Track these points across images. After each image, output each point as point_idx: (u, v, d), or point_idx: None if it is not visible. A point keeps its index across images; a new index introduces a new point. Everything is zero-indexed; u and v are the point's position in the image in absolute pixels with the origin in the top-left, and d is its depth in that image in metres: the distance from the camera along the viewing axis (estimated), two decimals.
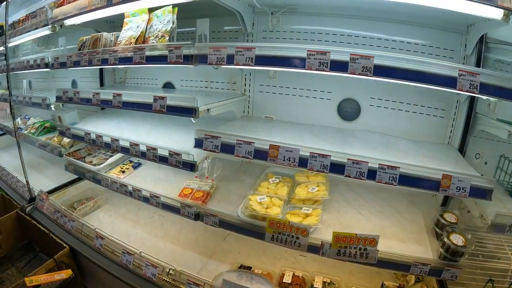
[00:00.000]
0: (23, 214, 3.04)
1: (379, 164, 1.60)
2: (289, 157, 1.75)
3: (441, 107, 2.16)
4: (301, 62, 1.61)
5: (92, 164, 2.90)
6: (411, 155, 1.92)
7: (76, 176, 3.31)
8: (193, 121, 1.97)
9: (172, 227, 2.82)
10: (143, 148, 2.30)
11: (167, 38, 2.21)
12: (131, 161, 2.94)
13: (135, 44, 2.30)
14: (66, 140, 3.21)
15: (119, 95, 2.32)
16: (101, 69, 3.32)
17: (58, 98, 2.85)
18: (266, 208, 2.04)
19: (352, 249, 1.72)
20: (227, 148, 1.89)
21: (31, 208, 3.14)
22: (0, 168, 4.03)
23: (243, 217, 2.02)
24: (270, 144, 1.79)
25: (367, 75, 1.50)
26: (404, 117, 2.27)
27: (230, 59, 1.77)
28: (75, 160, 2.94)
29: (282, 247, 1.87)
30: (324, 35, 2.33)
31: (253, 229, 1.96)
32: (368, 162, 1.62)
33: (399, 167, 1.59)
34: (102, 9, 2.35)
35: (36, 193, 3.20)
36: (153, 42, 2.25)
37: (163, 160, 2.20)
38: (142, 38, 2.35)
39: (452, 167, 1.65)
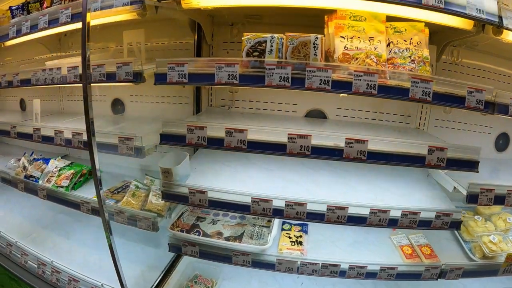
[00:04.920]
0: None
1: None
2: None
3: None
4: None
5: (225, 238, 1.34)
6: None
7: (173, 255, 1.58)
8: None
9: None
10: (395, 214, 1.16)
11: (429, 68, 1.11)
12: (289, 223, 1.48)
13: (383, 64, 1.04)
14: (154, 200, 1.43)
15: (360, 141, 1.01)
16: (198, 88, 1.62)
17: (168, 138, 1.17)
18: (501, 246, 1.41)
19: None
20: None
21: None
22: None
23: (480, 261, 1.37)
24: None
25: None
26: None
27: None
28: (207, 239, 1.30)
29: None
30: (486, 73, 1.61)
31: (490, 268, 1.38)
32: None
33: None
34: None
35: None
36: (410, 69, 1.10)
37: (423, 224, 1.21)
38: (384, 58, 1.10)
39: None
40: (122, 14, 1.25)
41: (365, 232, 1.50)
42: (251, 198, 1.16)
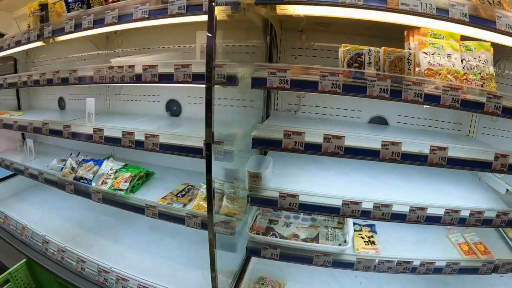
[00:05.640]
0: None
1: None
2: None
3: None
4: None
5: (302, 240, 1.44)
6: None
7: (242, 259, 1.63)
8: None
9: None
10: (464, 214, 1.34)
11: (494, 84, 1.28)
12: (359, 224, 1.59)
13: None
14: (229, 203, 1.48)
15: (441, 148, 1.18)
16: (268, 92, 1.67)
17: (261, 142, 1.24)
18: None
19: None
20: None
21: None
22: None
23: None
24: None
25: None
26: None
27: None
28: (290, 242, 1.38)
29: None
30: None
31: None
32: None
33: None
34: None
35: None
36: (481, 84, 1.27)
37: (486, 223, 1.37)
38: (461, 74, 1.26)
39: None
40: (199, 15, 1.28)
41: (424, 231, 1.65)
42: (342, 201, 1.26)
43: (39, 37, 1.74)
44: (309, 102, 1.71)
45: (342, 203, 1.26)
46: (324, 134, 1.19)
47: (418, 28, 1.36)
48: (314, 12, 1.28)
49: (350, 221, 1.51)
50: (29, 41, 1.77)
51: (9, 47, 1.85)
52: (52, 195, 2.13)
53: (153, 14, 1.34)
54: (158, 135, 1.39)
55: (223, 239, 1.47)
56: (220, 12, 1.23)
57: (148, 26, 1.68)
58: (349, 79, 1.16)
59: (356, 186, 1.43)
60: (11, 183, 2.25)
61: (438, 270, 1.45)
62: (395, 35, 1.45)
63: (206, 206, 1.48)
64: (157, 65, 1.35)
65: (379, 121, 1.74)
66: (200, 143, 1.30)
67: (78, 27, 1.56)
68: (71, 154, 1.85)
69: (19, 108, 2.36)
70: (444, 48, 1.30)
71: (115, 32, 1.86)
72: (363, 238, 1.49)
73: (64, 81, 1.65)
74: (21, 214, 1.99)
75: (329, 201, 1.27)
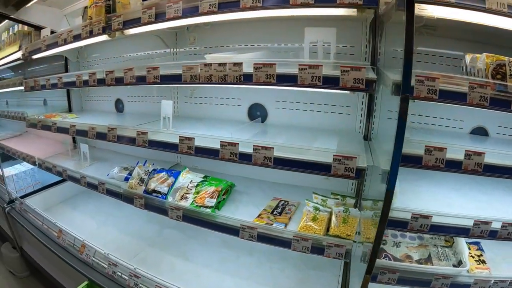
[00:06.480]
0: None
1: None
2: None
3: None
4: None
5: (416, 261, 1.42)
6: None
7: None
8: None
9: None
10: None
11: None
12: (467, 243, 1.57)
13: None
14: (341, 223, 1.41)
15: None
16: (371, 95, 1.59)
17: (405, 159, 1.18)
18: None
19: None
20: None
21: None
22: None
23: None
24: None
25: None
26: None
27: None
28: (412, 266, 1.36)
29: None
30: None
31: None
32: None
33: None
34: None
35: None
36: None
37: None
38: None
39: None
40: (335, 8, 1.17)
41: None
42: (474, 221, 1.24)
43: (104, 30, 1.57)
44: (410, 111, 1.67)
45: (473, 223, 1.23)
46: (466, 151, 1.15)
47: None
48: (451, 16, 1.23)
49: (461, 239, 1.50)
50: (91, 34, 1.59)
51: (66, 42, 1.66)
52: (104, 202, 1.97)
53: (269, 3, 1.21)
54: (273, 148, 1.29)
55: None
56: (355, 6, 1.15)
57: (227, 21, 1.58)
58: (493, 92, 1.12)
59: (473, 204, 1.41)
60: (59, 189, 2.08)
61: None
62: (499, 42, 1.44)
63: (316, 227, 1.41)
64: (274, 63, 1.24)
65: (480, 132, 1.73)
66: (326, 158, 1.22)
67: (160, 17, 1.41)
68: (137, 162, 1.70)
69: (69, 110, 2.16)
70: None
71: (187, 27, 1.72)
72: (473, 257, 1.47)
73: (140, 80, 1.50)
74: (73, 225, 1.82)
75: (460, 221, 1.24)
